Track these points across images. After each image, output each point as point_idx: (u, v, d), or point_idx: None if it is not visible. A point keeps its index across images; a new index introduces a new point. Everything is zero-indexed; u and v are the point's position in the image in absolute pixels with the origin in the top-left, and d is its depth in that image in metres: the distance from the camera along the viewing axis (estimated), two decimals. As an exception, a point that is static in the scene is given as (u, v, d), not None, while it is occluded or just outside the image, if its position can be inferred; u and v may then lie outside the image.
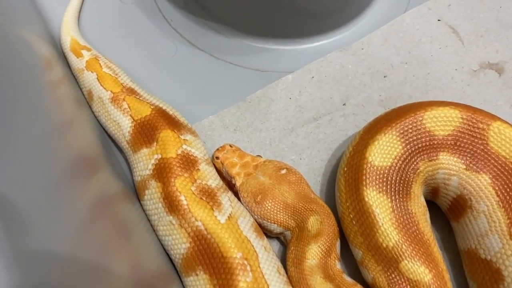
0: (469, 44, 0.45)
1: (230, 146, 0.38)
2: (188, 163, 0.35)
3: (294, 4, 0.43)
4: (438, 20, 0.46)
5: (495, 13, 0.47)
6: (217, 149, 0.38)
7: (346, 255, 0.35)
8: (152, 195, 0.34)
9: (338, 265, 0.34)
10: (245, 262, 0.30)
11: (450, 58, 0.44)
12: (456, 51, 0.45)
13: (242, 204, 0.36)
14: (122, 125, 0.37)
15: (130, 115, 0.37)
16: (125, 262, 0.29)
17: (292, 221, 0.35)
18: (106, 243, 0.29)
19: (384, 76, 0.44)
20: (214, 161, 0.38)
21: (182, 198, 0.33)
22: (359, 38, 0.46)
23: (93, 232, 0.28)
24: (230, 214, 0.33)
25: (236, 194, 0.36)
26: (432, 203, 0.37)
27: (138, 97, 0.38)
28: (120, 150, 0.40)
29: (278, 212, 0.35)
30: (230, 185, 0.37)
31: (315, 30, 0.46)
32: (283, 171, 0.36)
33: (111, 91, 0.39)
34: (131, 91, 0.39)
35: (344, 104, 0.43)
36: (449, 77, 0.43)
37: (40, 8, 0.48)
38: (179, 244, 0.32)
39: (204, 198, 0.33)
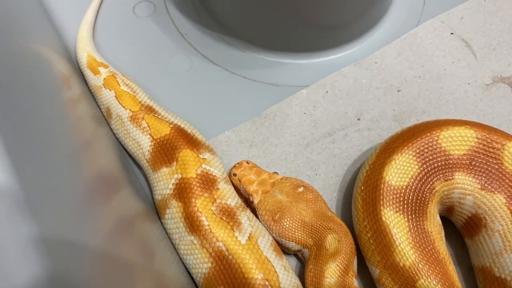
0: (482, 58, 0.46)
1: (247, 162, 0.39)
2: (208, 182, 0.36)
3: (307, 18, 0.44)
4: (451, 33, 0.47)
5: (508, 25, 0.48)
6: (234, 166, 0.39)
7: (363, 272, 0.36)
8: (173, 215, 0.35)
9: (355, 283, 0.34)
10: (266, 283, 0.31)
11: (463, 72, 0.45)
12: (469, 65, 0.45)
13: (260, 222, 0.36)
14: (142, 144, 0.38)
15: (150, 134, 0.38)
16: (150, 282, 0.30)
17: (310, 239, 0.35)
18: (130, 263, 0.30)
19: (398, 91, 0.44)
20: (231, 177, 0.38)
21: (203, 218, 0.34)
22: (372, 51, 0.47)
23: (117, 252, 0.29)
24: (250, 234, 0.34)
25: (253, 210, 0.37)
26: (445, 219, 0.37)
27: (156, 115, 0.39)
28: (139, 166, 0.40)
29: (296, 231, 0.35)
30: (248, 202, 0.38)
31: (329, 43, 0.47)
32: (300, 189, 0.37)
33: (130, 110, 0.39)
34: (150, 110, 0.40)
35: (358, 119, 0.43)
36: (462, 92, 0.44)
37: (54, 22, 0.48)
38: (201, 264, 0.33)
39: (224, 218, 0.34)
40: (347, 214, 0.39)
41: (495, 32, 0.47)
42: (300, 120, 0.43)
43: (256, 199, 0.37)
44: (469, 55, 0.46)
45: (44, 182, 0.26)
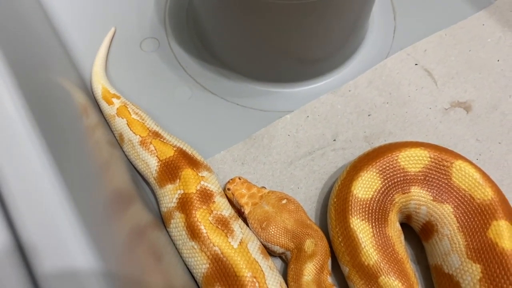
0: (442, 85, 0.51)
1: (239, 178, 0.44)
2: (206, 196, 0.41)
3: (291, 54, 0.49)
4: (416, 64, 0.53)
5: (465, 57, 0.53)
6: (228, 182, 0.44)
7: (337, 271, 0.41)
8: (177, 224, 0.41)
9: (329, 279, 0.40)
10: (254, 279, 0.37)
11: (425, 98, 0.50)
12: (430, 92, 0.50)
13: (250, 229, 0.42)
14: (150, 164, 0.44)
15: (157, 156, 0.44)
16: (159, 280, 0.35)
17: (292, 243, 0.40)
18: (144, 264, 0.35)
19: (369, 115, 0.49)
20: (226, 191, 0.43)
21: (202, 227, 0.39)
22: (347, 81, 0.51)
23: (133, 254, 0.34)
24: (241, 240, 0.39)
25: (244, 220, 0.42)
26: (408, 226, 0.43)
27: (162, 140, 0.45)
28: (148, 184, 0.46)
29: (280, 236, 0.40)
30: (240, 213, 0.43)
31: (309, 75, 0.52)
32: (284, 201, 0.43)
33: (139, 135, 0.45)
34: (156, 135, 0.45)
35: (334, 140, 0.48)
36: (424, 115, 0.49)
37: (72, 58, 0.54)
38: (200, 265, 0.39)
39: (219, 227, 0.40)
40: (324, 221, 0.44)
41: (454, 62, 0.53)
42: (284, 141, 0.48)
43: (246, 210, 0.42)
44: (430, 83, 0.51)
45: (82, 192, 0.31)
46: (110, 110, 0.48)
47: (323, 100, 0.51)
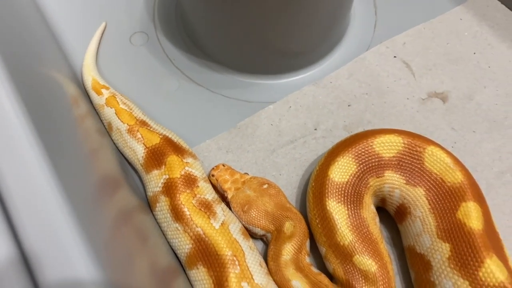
0: (420, 77, 0.52)
1: (223, 165, 0.45)
2: (190, 181, 0.43)
3: (275, 47, 0.51)
4: (394, 56, 0.54)
5: (443, 49, 0.55)
6: (213, 168, 0.45)
7: (315, 252, 0.42)
8: (162, 207, 0.42)
9: (307, 259, 0.41)
10: (234, 258, 0.38)
11: (403, 89, 0.51)
12: (408, 83, 0.52)
13: (233, 213, 0.43)
14: (137, 151, 0.46)
15: (143, 143, 0.46)
16: (145, 259, 0.37)
17: (272, 225, 0.42)
18: (130, 244, 0.36)
19: (348, 105, 0.51)
20: (210, 178, 0.45)
21: (186, 209, 0.41)
22: (328, 73, 0.52)
23: (120, 236, 0.35)
24: (223, 222, 0.41)
25: (228, 204, 0.44)
26: (384, 210, 0.43)
27: (149, 128, 0.47)
28: (135, 171, 0.48)
29: (261, 219, 0.42)
30: (223, 198, 0.44)
31: (292, 67, 0.53)
32: (265, 186, 0.44)
33: (127, 124, 0.47)
34: (143, 123, 0.47)
35: (315, 129, 0.49)
36: (402, 105, 0.51)
37: (64, 51, 0.56)
38: (184, 245, 0.40)
39: (202, 209, 0.41)
40: (304, 206, 0.45)
41: (432, 55, 0.55)
42: (267, 130, 0.49)
43: (229, 195, 0.44)
44: (408, 74, 0.52)
45: (71, 177, 0.32)
46: (99, 100, 0.50)
47: (305, 91, 0.52)
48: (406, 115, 0.50)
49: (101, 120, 0.50)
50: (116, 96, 0.50)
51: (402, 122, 0.50)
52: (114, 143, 0.49)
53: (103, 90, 0.50)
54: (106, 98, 0.49)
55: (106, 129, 0.49)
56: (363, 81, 0.52)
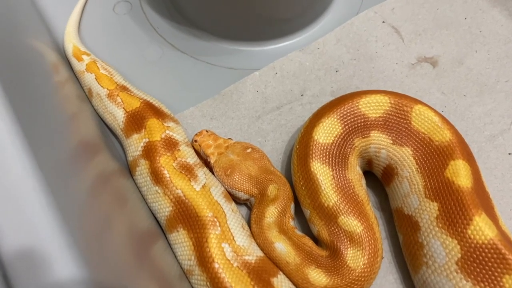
0: (409, 42, 0.52)
1: (206, 131, 0.44)
2: (171, 145, 0.42)
3: (260, 13, 0.50)
4: (383, 22, 0.53)
5: (433, 15, 0.54)
6: (196, 134, 0.44)
7: (300, 216, 0.42)
8: (142, 171, 0.41)
9: (291, 223, 0.40)
10: (215, 219, 0.38)
11: (392, 54, 0.51)
12: (397, 48, 0.51)
13: (216, 177, 0.42)
14: (117, 116, 0.45)
15: (123, 108, 0.45)
16: (123, 223, 0.36)
17: (255, 189, 0.41)
18: (108, 208, 0.35)
19: (336, 71, 0.50)
20: (193, 143, 0.44)
21: (165, 172, 0.40)
22: (316, 39, 0.52)
23: (98, 199, 0.35)
24: (204, 184, 0.40)
25: (211, 170, 0.43)
26: (371, 173, 0.43)
27: (129, 93, 0.46)
28: (116, 136, 0.47)
29: (244, 182, 0.41)
30: (206, 163, 0.44)
31: (279, 33, 0.52)
32: (249, 150, 0.43)
33: (107, 89, 0.46)
34: (124, 88, 0.46)
35: (302, 95, 0.49)
36: (390, 70, 0.50)
37: (45, 20, 0.55)
38: (164, 208, 0.40)
39: (183, 172, 0.40)
40: (289, 172, 0.44)
41: (421, 20, 0.53)
42: (253, 97, 0.49)
43: (212, 159, 0.43)
44: (397, 39, 0.52)
45: (44, 141, 0.32)
46: (79, 66, 0.49)
47: (292, 57, 0.51)
48: (395, 80, 0.50)
49: (82, 87, 0.49)
50: (97, 62, 0.49)
51: (390, 87, 0.49)
52: (95, 109, 0.48)
53: (84, 57, 0.49)
54: (87, 64, 0.49)
55: (86, 95, 0.49)
56: (351, 47, 0.52)
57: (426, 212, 0.37)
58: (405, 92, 0.47)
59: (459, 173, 0.37)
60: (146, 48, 0.53)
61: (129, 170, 0.44)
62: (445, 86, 0.49)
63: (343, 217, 0.38)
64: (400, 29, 0.53)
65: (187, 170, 0.41)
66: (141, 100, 0.45)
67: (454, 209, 0.35)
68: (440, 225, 0.35)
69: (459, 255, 0.34)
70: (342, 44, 0.52)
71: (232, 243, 0.37)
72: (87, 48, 0.52)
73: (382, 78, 0.50)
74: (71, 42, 0.51)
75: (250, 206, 0.43)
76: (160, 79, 0.51)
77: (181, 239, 0.38)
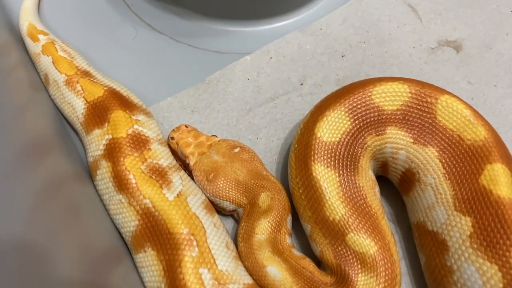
0: (428, 22, 0.46)
1: (186, 126, 0.39)
2: (139, 142, 0.36)
3: None
4: None
5: None
6: (173, 130, 0.39)
7: (298, 230, 0.36)
8: (103, 175, 0.35)
9: (288, 240, 0.35)
10: (192, 237, 0.31)
11: (408, 36, 0.45)
12: (414, 29, 0.46)
13: (195, 183, 0.37)
14: (76, 107, 0.38)
15: (84, 97, 0.38)
16: (72, 241, 0.30)
17: (244, 198, 0.36)
18: (54, 223, 0.30)
19: (342, 56, 0.45)
20: (169, 141, 0.39)
21: (131, 177, 0.34)
22: (318, 18, 0.47)
23: (42, 213, 0.29)
24: (179, 192, 0.34)
25: (190, 174, 0.37)
26: (385, 179, 0.37)
27: (92, 79, 0.40)
28: (76, 132, 0.41)
29: (230, 190, 0.36)
30: (185, 165, 0.38)
31: (274, 11, 0.47)
32: (237, 150, 0.37)
33: (65, 74, 0.40)
34: (86, 74, 0.40)
35: (301, 84, 0.44)
36: (407, 55, 0.44)
37: None
38: (129, 222, 0.34)
39: (153, 177, 0.34)
40: (286, 176, 0.39)
41: None
42: (243, 86, 0.44)
43: (192, 161, 0.37)
44: (414, 19, 0.46)
45: None
46: (35, 47, 0.43)
47: (290, 39, 0.46)
48: (412, 67, 0.44)
49: (38, 72, 0.43)
50: (55, 43, 0.43)
51: (406, 75, 0.42)
52: (52, 99, 0.42)
53: (40, 36, 0.43)
54: (43, 45, 0.43)
55: (43, 83, 0.42)
56: (359, 27, 0.46)
57: (457, 228, 0.32)
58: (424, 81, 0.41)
59: (498, 180, 0.31)
60: (117, 27, 0.48)
61: (90, 173, 0.37)
62: (472, 74, 0.43)
63: (352, 234, 0.32)
64: (417, 7, 0.47)
65: (158, 175, 0.34)
66: (105, 88, 0.39)
67: (493, 225, 0.30)
68: (475, 245, 0.30)
69: (501, 286, 0.28)
70: (349, 24, 0.46)
71: (212, 267, 0.31)
72: (48, 27, 0.47)
73: (396, 65, 0.44)
74: (27, 19, 0.46)
75: (237, 218, 0.37)
76: (133, 64, 0.46)
77: (149, 262, 0.32)
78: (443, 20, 0.46)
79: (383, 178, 0.37)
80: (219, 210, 0.37)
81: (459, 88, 0.43)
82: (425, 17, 0.46)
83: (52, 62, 0.41)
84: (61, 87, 0.39)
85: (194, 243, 0.31)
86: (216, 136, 0.39)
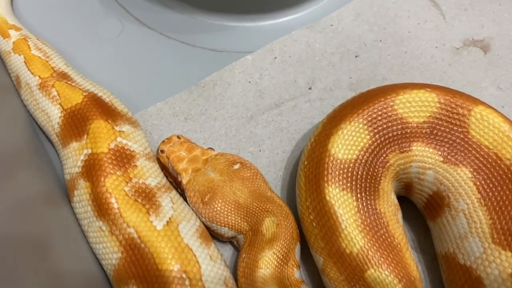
0: (452, 19, 0.44)
1: (178, 137, 0.36)
2: (123, 158, 0.32)
3: None
4: None
5: None
6: (163, 142, 0.36)
7: (308, 262, 0.34)
8: (81, 197, 0.32)
9: (296, 274, 0.32)
10: (184, 275, 0.28)
11: (430, 35, 0.43)
12: (436, 26, 0.44)
13: (189, 206, 0.33)
14: (51, 115, 0.35)
15: (60, 104, 0.35)
16: (41, 279, 0.26)
17: (245, 223, 0.33)
18: (17, 263, 0.26)
19: (356, 56, 0.43)
20: (159, 155, 0.36)
21: (113, 200, 0.30)
22: (328, 13, 0.45)
23: (2, 248, 0.25)
24: (170, 219, 0.30)
25: (182, 193, 0.34)
26: (407, 200, 0.35)
27: (70, 82, 0.36)
28: (52, 143, 0.37)
29: (229, 214, 0.33)
30: (177, 183, 0.35)
31: (279, 4, 0.44)
32: (236, 166, 0.35)
33: (39, 76, 0.36)
34: (63, 76, 0.36)
35: (309, 88, 0.42)
36: (428, 56, 0.42)
37: None
38: (110, 253, 0.30)
39: (139, 200, 0.30)
40: (293, 196, 0.36)
41: None
42: (243, 89, 0.42)
43: (184, 179, 0.34)
44: (437, 15, 0.43)
45: None
46: (5, 45, 0.39)
47: (296, 36, 0.44)
48: (435, 69, 0.42)
49: (8, 73, 0.39)
50: (29, 40, 0.39)
51: (429, 79, 0.41)
52: (25, 105, 0.38)
53: (11, 32, 0.39)
54: (14, 42, 0.39)
55: (14, 85, 0.38)
56: (375, 24, 0.44)
57: (495, 265, 0.29)
58: (449, 86, 0.40)
59: (546, 209, 0.29)
60: (100, 21, 0.46)
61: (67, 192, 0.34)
62: (502, 78, 0.41)
63: (373, 270, 0.30)
64: (440, 2, 0.45)
65: (145, 197, 0.31)
66: (84, 93, 0.35)
67: (542, 262, 0.27)
68: (519, 286, 0.27)
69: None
70: (363, 20, 0.44)
71: (208, 311, 0.27)
72: (21, 21, 0.43)
73: (417, 67, 0.42)
74: (-3, 12, 0.41)
75: (237, 245, 0.34)
76: (117, 64, 0.43)
77: (133, 303, 0.28)
78: (468, 17, 0.44)
79: (404, 199, 0.35)
80: (216, 237, 0.34)
81: (487, 94, 0.40)
82: (449, 13, 0.44)
83: (24, 62, 0.37)
84: (34, 92, 0.35)
85: (187, 282, 0.28)
86: (213, 149, 0.36)
